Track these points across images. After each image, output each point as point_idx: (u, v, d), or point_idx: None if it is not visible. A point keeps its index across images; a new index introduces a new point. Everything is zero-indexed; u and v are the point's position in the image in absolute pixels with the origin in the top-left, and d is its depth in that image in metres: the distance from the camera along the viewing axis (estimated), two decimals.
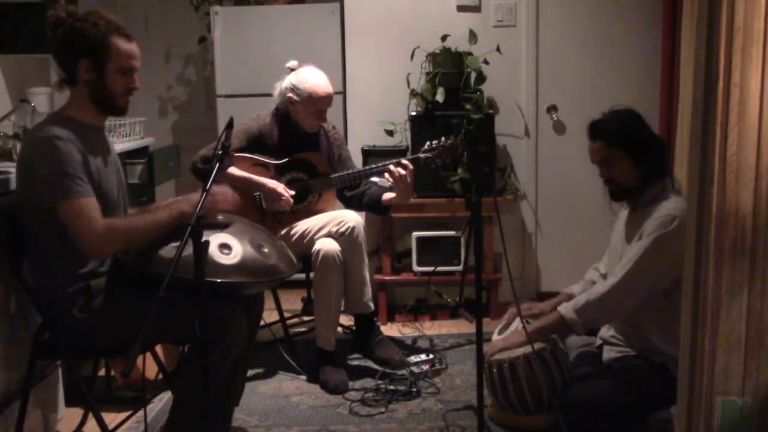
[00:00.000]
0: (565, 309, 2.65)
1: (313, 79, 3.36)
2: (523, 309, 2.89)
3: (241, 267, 2.39)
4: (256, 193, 3.35)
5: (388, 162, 3.32)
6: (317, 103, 3.35)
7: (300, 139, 3.43)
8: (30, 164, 2.31)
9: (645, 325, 2.63)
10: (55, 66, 2.43)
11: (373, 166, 3.39)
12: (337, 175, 3.42)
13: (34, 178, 2.29)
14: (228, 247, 2.40)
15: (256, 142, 3.38)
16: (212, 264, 2.30)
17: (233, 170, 3.28)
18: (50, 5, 2.66)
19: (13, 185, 2.65)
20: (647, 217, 2.59)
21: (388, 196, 3.42)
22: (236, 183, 3.27)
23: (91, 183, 2.32)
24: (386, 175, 3.30)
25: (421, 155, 3.36)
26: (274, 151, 3.40)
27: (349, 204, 3.52)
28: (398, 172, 3.26)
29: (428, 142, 3.38)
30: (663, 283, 2.55)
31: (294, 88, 3.35)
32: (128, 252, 2.38)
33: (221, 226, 2.50)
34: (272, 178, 3.38)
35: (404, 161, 3.30)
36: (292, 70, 3.43)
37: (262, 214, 3.38)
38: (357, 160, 3.82)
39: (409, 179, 3.27)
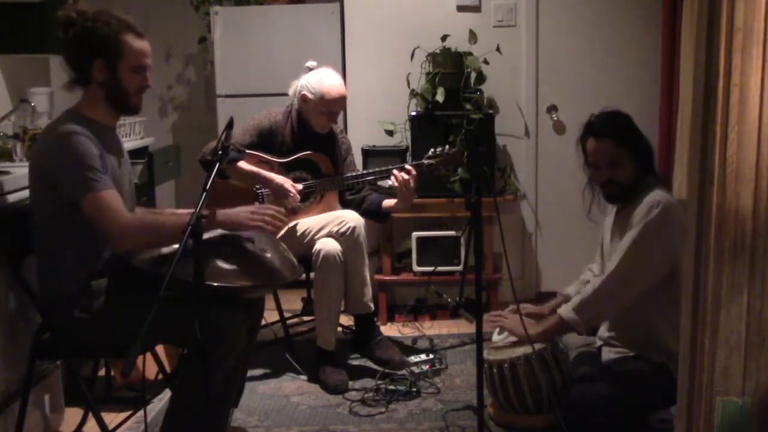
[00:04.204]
0: (565, 310, 2.66)
1: (328, 80, 3.37)
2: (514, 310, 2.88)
3: (241, 271, 2.39)
4: (259, 190, 3.34)
5: (392, 166, 3.32)
6: (329, 104, 3.36)
7: (313, 138, 3.43)
8: (48, 160, 2.31)
9: (654, 324, 2.62)
10: (66, 66, 2.41)
11: (377, 169, 3.39)
12: (343, 175, 3.43)
13: (55, 174, 2.29)
14: None
15: (266, 139, 3.38)
16: (213, 267, 2.29)
17: (243, 165, 3.28)
18: (52, 5, 2.66)
19: (12, 185, 2.66)
20: (633, 211, 2.60)
21: (389, 202, 3.42)
22: (245, 177, 3.27)
23: None
24: (391, 178, 3.30)
25: (425, 162, 3.36)
26: (284, 149, 3.40)
27: (348, 208, 3.51)
28: (402, 176, 3.27)
29: (432, 149, 3.38)
30: (658, 272, 2.55)
31: (309, 87, 3.36)
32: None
33: (245, 240, 2.49)
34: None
35: (408, 166, 3.30)
36: (311, 69, 3.45)
37: None
38: (357, 160, 3.82)
39: (412, 184, 3.27)
